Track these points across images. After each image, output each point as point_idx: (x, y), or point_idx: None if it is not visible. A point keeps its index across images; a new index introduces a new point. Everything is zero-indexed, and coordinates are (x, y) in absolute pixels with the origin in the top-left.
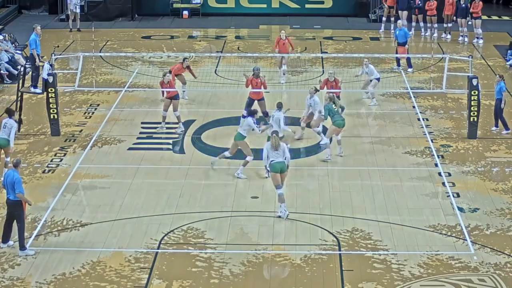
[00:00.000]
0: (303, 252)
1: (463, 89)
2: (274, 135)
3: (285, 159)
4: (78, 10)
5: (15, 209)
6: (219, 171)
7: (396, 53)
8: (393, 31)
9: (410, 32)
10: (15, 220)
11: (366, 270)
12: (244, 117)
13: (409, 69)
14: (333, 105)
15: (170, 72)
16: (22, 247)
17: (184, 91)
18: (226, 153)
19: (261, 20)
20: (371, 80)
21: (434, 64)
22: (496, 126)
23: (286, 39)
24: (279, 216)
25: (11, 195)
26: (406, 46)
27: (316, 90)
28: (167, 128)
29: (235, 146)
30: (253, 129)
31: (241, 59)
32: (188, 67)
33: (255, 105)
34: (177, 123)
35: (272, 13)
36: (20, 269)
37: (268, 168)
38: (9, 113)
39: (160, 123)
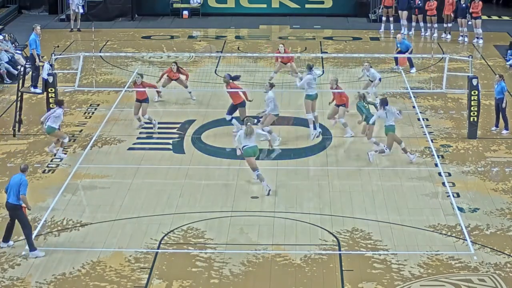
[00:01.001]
0: (303, 252)
1: (463, 89)
2: (249, 123)
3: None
4: (80, 10)
5: (14, 212)
6: (219, 171)
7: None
8: (393, 31)
9: (410, 32)
10: (16, 221)
11: (366, 270)
12: (230, 120)
13: (412, 69)
14: (365, 103)
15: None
16: (32, 247)
17: (190, 92)
18: (387, 151)
19: (261, 20)
20: (372, 81)
21: (434, 64)
22: (497, 126)
23: (284, 52)
24: (268, 193)
25: (11, 198)
26: (409, 52)
27: (271, 86)
28: (166, 128)
29: (391, 138)
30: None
31: (241, 59)
32: (178, 70)
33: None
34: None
35: (272, 13)
36: (20, 269)
37: (242, 152)
38: (59, 103)
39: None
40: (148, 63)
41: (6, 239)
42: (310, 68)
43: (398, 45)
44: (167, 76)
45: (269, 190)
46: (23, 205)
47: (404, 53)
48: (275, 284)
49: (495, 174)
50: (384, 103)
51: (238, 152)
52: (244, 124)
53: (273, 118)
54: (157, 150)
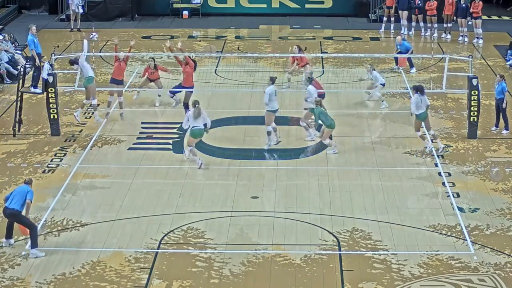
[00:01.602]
0: (303, 252)
1: (463, 89)
2: (197, 105)
3: (205, 125)
4: (80, 10)
5: (15, 218)
6: (219, 171)
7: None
8: (393, 31)
9: (410, 32)
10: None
11: (366, 270)
12: (173, 96)
13: (412, 69)
14: (322, 108)
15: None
16: (34, 245)
17: (159, 95)
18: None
19: (261, 20)
20: (375, 85)
21: (434, 64)
22: (497, 126)
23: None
24: (200, 167)
25: (13, 204)
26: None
27: (272, 80)
28: (166, 128)
29: (427, 122)
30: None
31: (241, 59)
32: (155, 67)
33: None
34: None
35: (272, 13)
36: (20, 269)
37: (188, 133)
38: (72, 63)
39: (157, 123)
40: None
41: (9, 236)
42: (310, 80)
43: (398, 47)
44: (147, 76)
45: (201, 163)
46: (23, 212)
47: (404, 54)
48: (275, 284)
49: (495, 174)
50: (420, 90)
51: (187, 153)
52: (192, 105)
53: (270, 115)
54: (157, 150)
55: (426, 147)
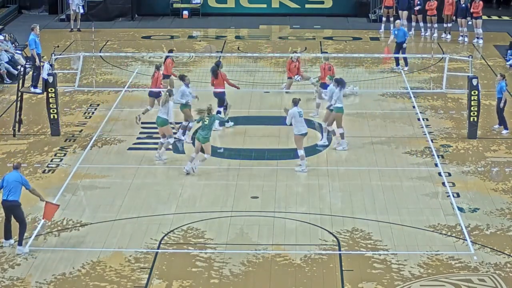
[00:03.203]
0: (303, 252)
1: (463, 89)
2: (167, 93)
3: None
4: (81, 10)
5: (13, 210)
6: (219, 171)
7: (394, 52)
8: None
9: (410, 32)
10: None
11: (366, 270)
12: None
13: (405, 68)
14: (206, 119)
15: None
16: (21, 243)
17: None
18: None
19: (261, 20)
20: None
21: (434, 64)
22: (499, 125)
23: (297, 61)
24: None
25: (11, 195)
26: (404, 45)
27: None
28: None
29: (340, 119)
30: None
31: (241, 59)
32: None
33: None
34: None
35: (272, 13)
36: (20, 269)
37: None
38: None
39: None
40: (148, 63)
41: (8, 236)
42: (295, 103)
43: (396, 32)
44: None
45: (159, 157)
46: (45, 205)
47: (400, 43)
48: (275, 284)
49: (495, 174)
50: (342, 83)
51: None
52: (167, 92)
53: (299, 139)
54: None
55: (339, 144)
